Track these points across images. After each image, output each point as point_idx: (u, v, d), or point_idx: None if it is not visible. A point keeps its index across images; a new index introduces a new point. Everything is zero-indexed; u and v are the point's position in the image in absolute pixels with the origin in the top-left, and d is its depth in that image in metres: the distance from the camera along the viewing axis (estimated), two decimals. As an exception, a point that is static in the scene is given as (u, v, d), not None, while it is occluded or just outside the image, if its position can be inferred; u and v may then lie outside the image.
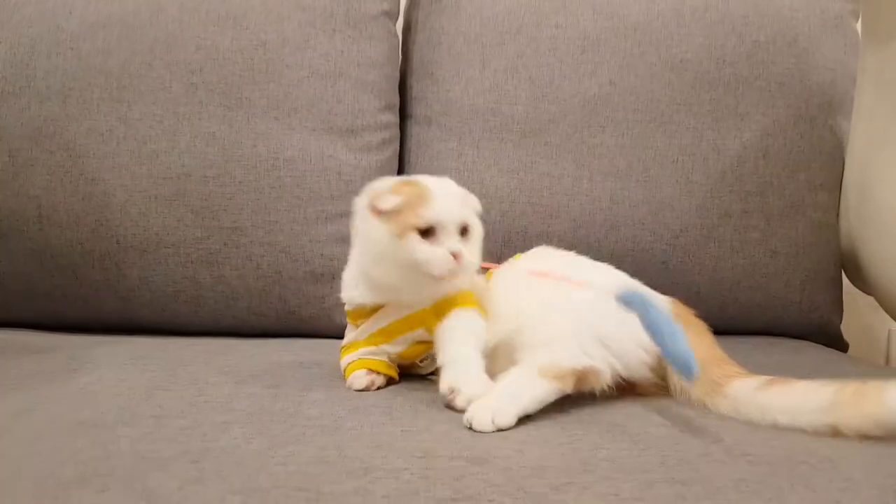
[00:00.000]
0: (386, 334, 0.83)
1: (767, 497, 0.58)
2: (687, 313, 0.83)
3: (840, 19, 1.20)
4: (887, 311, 1.16)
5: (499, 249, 1.11)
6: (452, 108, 1.19)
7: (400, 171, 1.22)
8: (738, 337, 1.13)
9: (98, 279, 1.10)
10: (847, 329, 1.29)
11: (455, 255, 0.76)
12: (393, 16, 1.21)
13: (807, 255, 1.18)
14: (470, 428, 0.70)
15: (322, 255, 1.11)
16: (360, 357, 0.84)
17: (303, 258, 1.10)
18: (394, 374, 0.85)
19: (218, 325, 1.12)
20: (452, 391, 0.75)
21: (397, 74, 1.23)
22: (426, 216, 0.76)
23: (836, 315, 1.23)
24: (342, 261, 1.10)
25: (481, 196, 1.16)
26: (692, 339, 0.72)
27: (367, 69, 1.15)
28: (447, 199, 0.78)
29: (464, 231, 0.79)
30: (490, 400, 0.72)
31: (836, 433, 0.68)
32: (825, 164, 1.19)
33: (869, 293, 1.22)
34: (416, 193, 0.77)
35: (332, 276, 1.11)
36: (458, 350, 0.78)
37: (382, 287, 0.80)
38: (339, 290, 1.11)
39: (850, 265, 1.23)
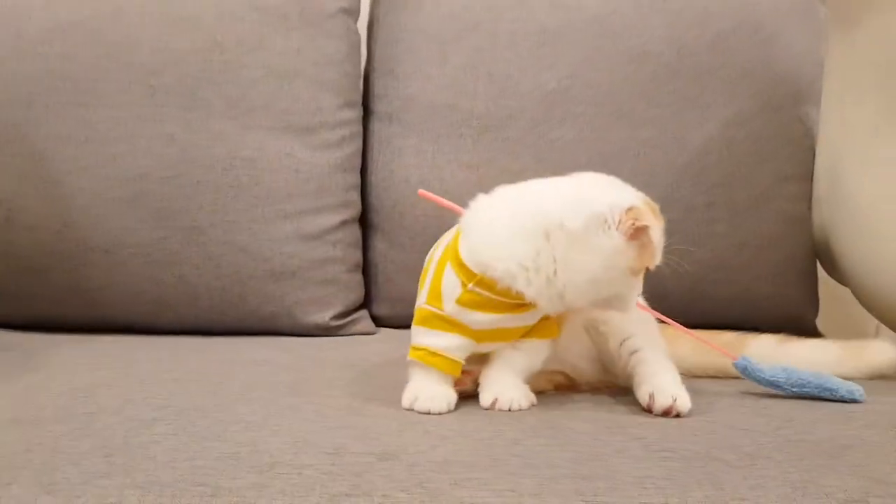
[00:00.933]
0: (499, 336, 0.76)
1: (669, 493, 0.57)
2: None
3: (807, 5, 1.18)
4: (861, 302, 1.13)
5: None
6: (412, 105, 1.19)
7: (363, 168, 1.22)
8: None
9: (64, 280, 1.11)
10: (831, 322, 1.26)
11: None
12: (353, 13, 1.21)
13: (776, 247, 1.16)
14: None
15: (281, 253, 1.11)
16: (444, 350, 0.74)
17: (261, 257, 1.11)
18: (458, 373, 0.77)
19: (182, 324, 1.13)
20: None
21: (359, 71, 1.23)
22: (657, 259, 0.72)
23: (811, 308, 1.21)
24: (301, 258, 1.13)
25: (442, 192, 1.16)
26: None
27: (325, 67, 1.15)
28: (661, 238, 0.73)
29: None
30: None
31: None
32: (794, 154, 1.17)
33: (845, 284, 1.19)
34: (661, 230, 0.72)
35: (292, 274, 1.12)
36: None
37: (558, 294, 0.72)
38: (299, 288, 1.12)
39: (824, 256, 1.20)
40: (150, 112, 1.10)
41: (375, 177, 1.21)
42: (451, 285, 0.73)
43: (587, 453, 0.64)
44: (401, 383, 0.83)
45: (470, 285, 0.72)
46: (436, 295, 0.74)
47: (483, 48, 1.17)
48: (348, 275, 1.17)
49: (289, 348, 1.06)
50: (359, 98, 1.22)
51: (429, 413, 0.72)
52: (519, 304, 0.72)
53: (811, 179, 1.19)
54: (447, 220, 1.14)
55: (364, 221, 1.23)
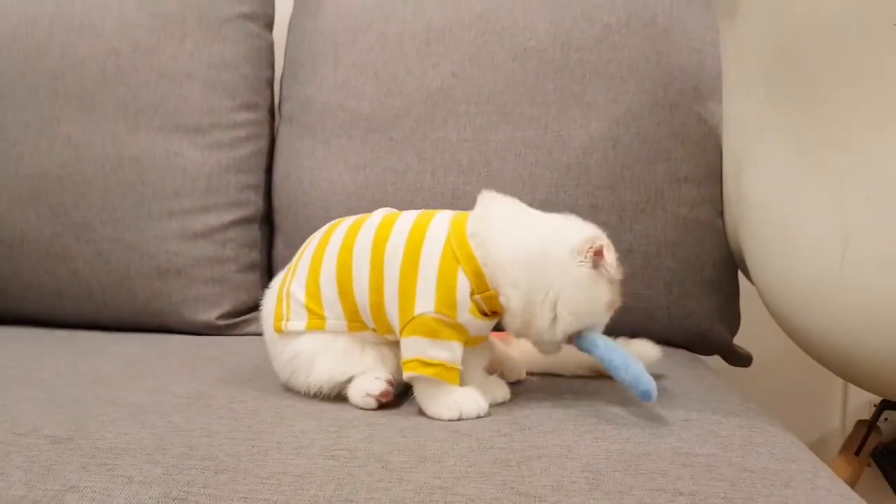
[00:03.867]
0: (479, 340, 0.77)
1: (290, 489, 0.54)
2: None
3: (708, -4, 1.10)
4: (766, 306, 1.03)
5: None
6: (308, 106, 1.19)
7: (268, 169, 1.23)
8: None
9: (-26, 272, 1.18)
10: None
11: None
12: (257, 17, 1.23)
13: (669, 253, 1.07)
14: None
15: (167, 250, 1.14)
16: (455, 363, 0.72)
17: (147, 254, 1.14)
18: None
19: (81, 317, 1.18)
20: None
21: (265, 74, 1.24)
22: (621, 297, 0.74)
23: (722, 322, 1.11)
24: (187, 256, 1.15)
25: (330, 193, 1.17)
26: None
27: (220, 70, 1.18)
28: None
29: None
30: None
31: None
32: (690, 155, 1.08)
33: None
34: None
35: (178, 272, 1.14)
36: None
37: (539, 323, 0.72)
38: (185, 286, 1.14)
39: (741, 263, 1.10)
40: (52, 114, 1.16)
41: (277, 178, 1.22)
42: (465, 293, 0.70)
43: (277, 448, 0.61)
44: (222, 379, 0.84)
45: (477, 296, 0.70)
46: (449, 303, 0.70)
47: (373, 49, 1.16)
48: (240, 275, 1.18)
49: (160, 344, 1.07)
50: (261, 100, 1.23)
51: (479, 417, 0.70)
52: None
53: (717, 181, 1.09)
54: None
55: (271, 222, 1.24)
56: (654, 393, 0.68)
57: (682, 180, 1.08)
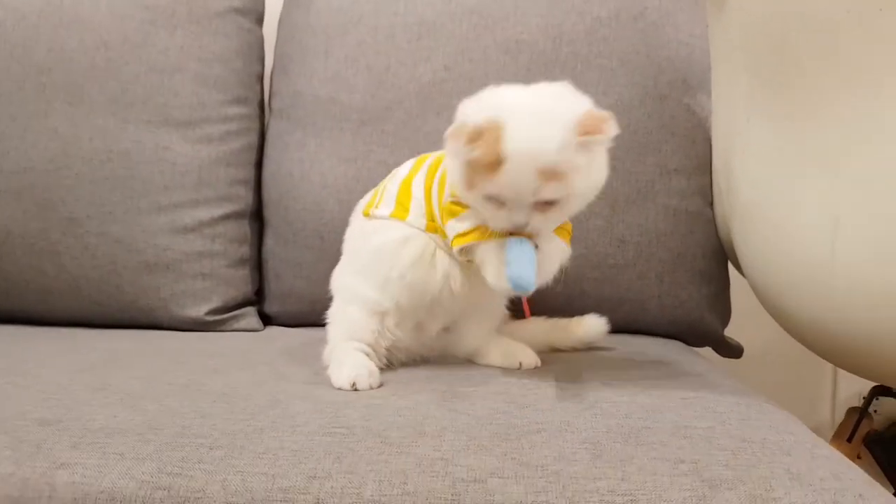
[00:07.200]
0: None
1: (289, 464, 0.53)
2: None
3: (698, -9, 1.11)
4: (759, 299, 1.03)
5: (337, 238, 1.09)
6: (299, 100, 1.19)
7: (258, 163, 1.23)
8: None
9: (-39, 269, 1.16)
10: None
11: (518, 228, 0.71)
12: (248, 12, 1.23)
13: (661, 244, 1.07)
14: None
15: (155, 245, 1.13)
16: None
17: (136, 248, 1.12)
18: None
19: (67, 314, 1.16)
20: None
21: (255, 69, 1.24)
22: (490, 189, 0.69)
23: (713, 312, 1.11)
24: (176, 251, 1.14)
25: (322, 186, 1.16)
26: None
27: (210, 63, 1.17)
28: (523, 169, 0.68)
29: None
30: None
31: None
32: (680, 147, 1.08)
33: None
34: (490, 154, 0.68)
35: (167, 267, 1.13)
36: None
37: None
38: (174, 281, 1.14)
39: (731, 254, 1.11)
40: (40, 108, 1.14)
41: (267, 172, 1.22)
42: None
43: (276, 426, 0.60)
44: (214, 370, 0.83)
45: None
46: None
47: (364, 41, 1.16)
48: (230, 270, 1.17)
49: (149, 339, 1.06)
50: (251, 95, 1.23)
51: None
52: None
53: (706, 173, 1.10)
54: (328, 215, 1.14)
55: (261, 217, 1.24)
56: (523, 281, 0.68)
57: (673, 172, 1.08)
